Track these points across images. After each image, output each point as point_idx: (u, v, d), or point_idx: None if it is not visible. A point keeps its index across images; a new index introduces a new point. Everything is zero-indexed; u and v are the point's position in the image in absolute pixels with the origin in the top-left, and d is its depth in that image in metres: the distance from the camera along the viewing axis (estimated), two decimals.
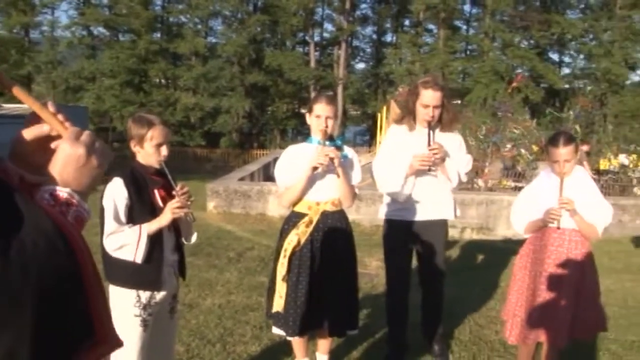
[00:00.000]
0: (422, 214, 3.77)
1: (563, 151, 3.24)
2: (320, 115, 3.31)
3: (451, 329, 4.62)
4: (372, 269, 7.27)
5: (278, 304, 3.32)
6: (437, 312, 4.07)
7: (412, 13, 40.35)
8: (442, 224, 3.94)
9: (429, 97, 3.58)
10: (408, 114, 3.74)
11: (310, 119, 3.40)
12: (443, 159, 3.66)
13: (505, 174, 14.85)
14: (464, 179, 3.95)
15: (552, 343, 3.35)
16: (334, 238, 3.41)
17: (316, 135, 3.37)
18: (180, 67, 36.94)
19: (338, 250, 3.44)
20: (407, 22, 44.97)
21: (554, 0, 41.58)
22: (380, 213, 4.01)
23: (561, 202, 3.20)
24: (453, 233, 11.10)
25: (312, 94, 36.70)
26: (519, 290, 3.48)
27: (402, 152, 3.66)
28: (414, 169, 3.62)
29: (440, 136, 3.69)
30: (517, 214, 3.55)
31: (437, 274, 3.98)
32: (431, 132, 3.57)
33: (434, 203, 3.79)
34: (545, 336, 3.33)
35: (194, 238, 2.95)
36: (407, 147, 3.66)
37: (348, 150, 3.52)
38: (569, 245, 3.31)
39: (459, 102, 29.88)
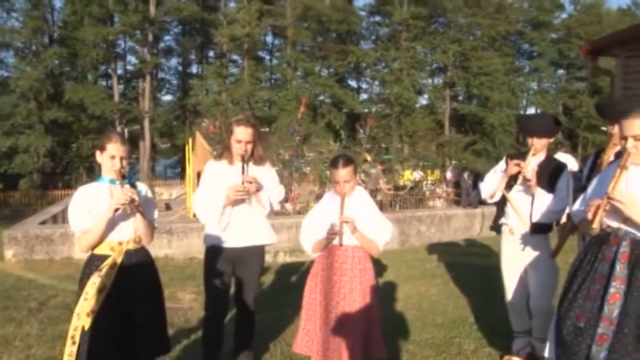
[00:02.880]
0: (240, 241, 3.97)
1: (342, 172, 3.46)
2: (115, 155, 3.27)
3: (263, 350, 4.75)
4: (185, 302, 7.21)
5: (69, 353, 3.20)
6: (249, 336, 4.23)
7: (217, 45, 40.77)
8: (260, 250, 4.15)
9: (241, 134, 3.87)
10: (226, 150, 3.99)
11: (101, 158, 3.33)
12: (257, 189, 3.91)
13: (314, 196, 15.50)
14: (277, 207, 4.25)
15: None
16: (140, 276, 3.39)
17: (108, 174, 3.35)
18: None
19: (146, 289, 3.43)
20: (211, 54, 45.30)
21: (349, 32, 44.43)
22: (204, 241, 4.13)
23: (342, 220, 3.40)
24: (267, 258, 11.37)
25: (118, 129, 35.43)
26: (312, 310, 3.60)
27: (221, 185, 3.88)
28: (230, 199, 3.84)
29: (254, 169, 3.98)
30: (304, 235, 3.72)
31: (250, 298, 4.15)
32: (245, 165, 3.86)
33: (251, 230, 4.00)
34: (342, 354, 3.42)
35: None
36: (225, 180, 3.89)
37: (141, 186, 3.53)
38: (353, 262, 3.50)
39: (267, 129, 30.75)
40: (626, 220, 2.75)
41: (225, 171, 3.97)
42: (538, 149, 3.94)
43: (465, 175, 18.04)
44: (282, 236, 11.40)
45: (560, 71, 50.44)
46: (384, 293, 6.66)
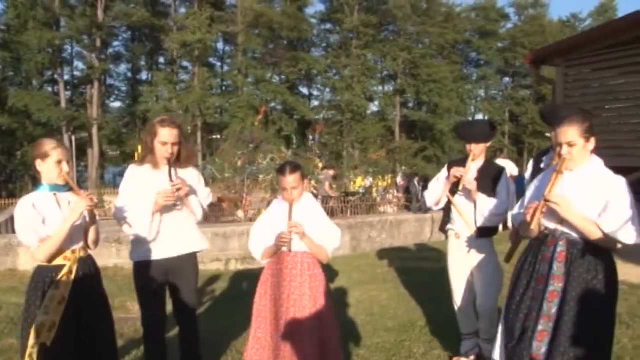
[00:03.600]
0: (172, 250, 3.75)
1: (290, 179, 3.46)
2: (61, 160, 3.18)
3: (214, 359, 4.72)
4: (135, 312, 7.02)
5: None
6: (194, 345, 4.05)
7: (167, 51, 40.34)
8: (194, 257, 3.96)
9: (166, 135, 3.62)
10: (150, 153, 3.70)
11: (43, 166, 3.24)
12: (187, 194, 3.70)
13: (266, 204, 15.45)
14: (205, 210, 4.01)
15: None
16: (88, 286, 3.31)
17: (54, 181, 3.26)
18: None
19: (94, 298, 3.37)
20: (162, 60, 44.87)
21: (300, 39, 44.62)
22: (130, 257, 3.84)
23: (290, 227, 3.40)
24: (218, 266, 11.27)
25: (65, 136, 34.61)
26: (262, 317, 3.59)
27: (146, 191, 3.62)
28: (159, 205, 3.60)
29: (180, 172, 3.75)
30: (253, 241, 3.69)
31: (191, 308, 4.00)
32: (172, 168, 3.63)
33: (182, 238, 3.80)
34: None
35: None
36: (150, 186, 3.64)
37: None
38: (302, 267, 3.50)
39: (218, 136, 30.55)
40: (562, 221, 2.88)
41: (149, 176, 3.68)
42: (477, 155, 4.06)
43: (416, 180, 18.32)
44: (234, 244, 11.33)
45: (507, 79, 51.98)
46: (335, 298, 6.65)
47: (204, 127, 39.72)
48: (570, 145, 2.86)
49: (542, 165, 4.14)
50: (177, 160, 3.74)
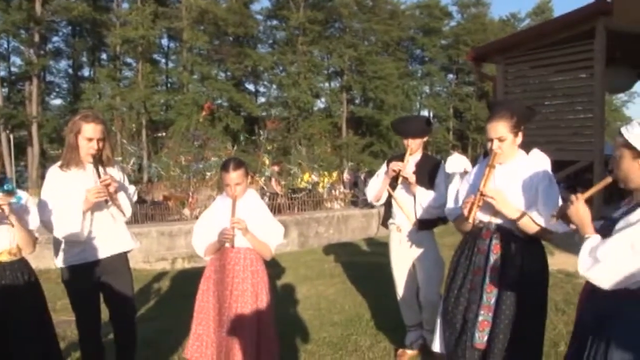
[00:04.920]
0: (104, 251, 3.66)
1: (233, 175, 3.48)
2: None
3: (159, 359, 4.67)
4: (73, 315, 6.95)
5: None
6: (131, 348, 3.95)
7: (109, 47, 39.44)
8: (125, 258, 3.86)
9: (91, 131, 3.53)
10: (73, 152, 3.58)
11: None
12: (116, 190, 3.61)
13: (212, 201, 15.31)
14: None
15: None
16: (17, 291, 3.18)
17: None
18: None
19: (24, 304, 3.25)
20: (104, 56, 43.80)
21: (246, 36, 44.34)
22: (58, 262, 3.67)
23: (233, 223, 3.41)
24: (164, 265, 11.16)
25: (3, 135, 33.50)
26: (203, 313, 3.60)
27: (72, 192, 3.50)
28: (90, 202, 3.47)
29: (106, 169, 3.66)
30: (196, 238, 3.70)
31: (128, 310, 3.91)
32: (98, 165, 3.53)
33: (113, 237, 3.70)
34: (235, 356, 3.42)
35: None
36: (75, 185, 3.52)
37: (22, 194, 3.32)
38: (245, 263, 3.52)
39: (164, 134, 30.11)
40: (496, 214, 3.00)
41: (73, 176, 3.56)
42: (414, 149, 4.15)
43: (362, 176, 18.51)
44: (180, 242, 11.23)
45: (451, 76, 52.98)
46: (282, 295, 6.73)
47: (149, 125, 39.07)
48: (500, 140, 2.97)
49: None
50: (100, 158, 3.62)
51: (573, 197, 2.27)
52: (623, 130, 2.21)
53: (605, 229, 2.25)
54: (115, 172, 3.76)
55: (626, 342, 2.14)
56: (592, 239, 2.20)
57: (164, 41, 44.23)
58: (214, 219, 3.63)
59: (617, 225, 2.19)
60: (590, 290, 2.32)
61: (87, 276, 3.63)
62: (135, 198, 3.99)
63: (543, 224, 2.89)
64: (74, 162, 3.58)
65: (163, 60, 45.21)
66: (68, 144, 3.59)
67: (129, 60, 41.84)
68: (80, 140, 3.55)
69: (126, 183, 3.92)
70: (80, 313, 3.73)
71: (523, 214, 2.92)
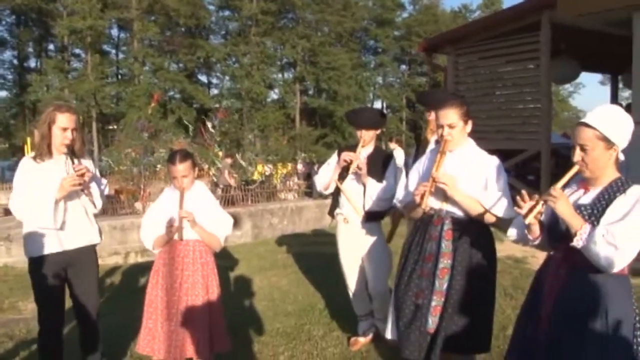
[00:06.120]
0: (74, 242, 3.63)
1: (180, 167, 3.45)
2: None
3: (112, 355, 4.59)
4: (27, 312, 6.74)
5: None
6: (95, 341, 3.92)
7: (57, 37, 38.41)
8: (93, 251, 3.84)
9: (65, 121, 3.53)
10: (46, 142, 3.56)
11: None
12: (89, 181, 3.60)
13: None
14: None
15: (198, 356, 3.46)
16: None
17: None
18: None
19: None
20: (51, 47, 42.66)
21: (198, 27, 43.82)
22: (27, 253, 3.63)
23: (181, 215, 3.40)
24: (117, 259, 10.98)
25: None
26: (153, 307, 3.56)
27: (45, 182, 3.49)
28: (65, 190, 3.45)
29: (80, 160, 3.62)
30: (144, 231, 3.66)
31: (92, 305, 3.86)
32: (72, 154, 3.52)
33: (81, 229, 3.68)
34: (186, 350, 3.42)
35: None
36: (49, 176, 3.50)
37: None
38: (194, 255, 3.51)
39: (115, 127, 29.53)
40: (447, 200, 3.04)
41: (46, 167, 3.56)
42: (367, 141, 4.16)
43: (316, 167, 18.55)
44: (133, 236, 11.02)
45: (403, 66, 53.48)
46: (235, 286, 6.71)
47: (99, 117, 38.30)
48: (451, 127, 3.02)
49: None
50: (73, 148, 3.61)
51: (553, 191, 2.27)
52: (591, 122, 2.26)
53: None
54: (88, 163, 3.73)
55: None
56: (599, 229, 2.21)
57: (114, 32, 43.50)
58: (162, 211, 3.60)
59: (609, 210, 2.25)
60: (567, 275, 2.37)
61: (53, 267, 3.60)
62: (106, 191, 3.99)
63: (492, 210, 2.95)
64: (47, 153, 3.58)
65: (113, 51, 44.42)
66: (41, 136, 3.58)
67: (77, 51, 40.94)
68: (54, 129, 3.55)
69: (98, 175, 3.91)
70: (43, 306, 3.69)
71: (473, 200, 2.98)
